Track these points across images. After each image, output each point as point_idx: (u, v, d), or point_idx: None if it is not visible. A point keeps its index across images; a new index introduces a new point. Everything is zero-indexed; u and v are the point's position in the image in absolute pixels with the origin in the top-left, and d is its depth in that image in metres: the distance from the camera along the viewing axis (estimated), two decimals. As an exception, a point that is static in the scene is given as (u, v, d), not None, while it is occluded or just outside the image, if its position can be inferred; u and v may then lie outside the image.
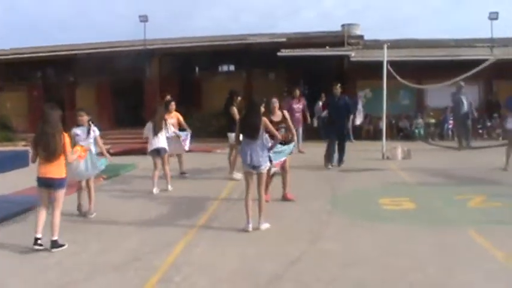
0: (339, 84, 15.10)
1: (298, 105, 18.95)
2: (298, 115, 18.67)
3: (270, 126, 8.55)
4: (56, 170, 7.40)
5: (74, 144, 9.03)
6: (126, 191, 12.05)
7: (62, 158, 7.48)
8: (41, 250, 7.17)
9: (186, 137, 13.36)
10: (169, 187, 11.90)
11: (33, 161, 7.67)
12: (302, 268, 6.35)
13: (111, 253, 7.18)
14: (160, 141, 11.81)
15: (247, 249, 7.18)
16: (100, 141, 9.64)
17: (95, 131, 9.51)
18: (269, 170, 8.95)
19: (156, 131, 11.75)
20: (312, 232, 7.96)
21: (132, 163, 15.03)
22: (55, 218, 7.37)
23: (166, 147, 11.97)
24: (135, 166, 14.68)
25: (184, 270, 6.33)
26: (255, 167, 8.21)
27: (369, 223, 8.52)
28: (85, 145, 9.27)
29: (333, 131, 15.09)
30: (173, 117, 13.41)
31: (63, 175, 7.51)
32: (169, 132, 12.21)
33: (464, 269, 6.18)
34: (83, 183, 9.57)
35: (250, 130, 8.30)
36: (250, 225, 8.11)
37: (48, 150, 7.32)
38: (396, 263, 6.41)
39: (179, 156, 13.58)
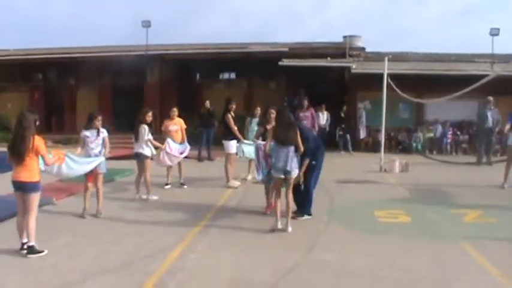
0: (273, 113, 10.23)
1: (305, 114, 19.15)
2: (306, 122, 18.78)
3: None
4: (28, 173, 7.31)
5: (83, 145, 9.71)
6: (123, 196, 12.10)
7: (34, 161, 7.40)
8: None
9: (184, 149, 13.05)
10: (150, 197, 11.61)
11: (9, 163, 7.63)
12: (297, 277, 6.36)
13: (106, 257, 7.19)
14: (139, 146, 11.60)
15: (243, 257, 7.21)
16: (107, 142, 9.94)
17: (104, 133, 9.85)
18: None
19: (135, 136, 11.67)
20: (308, 242, 7.98)
21: (130, 168, 15.02)
22: (30, 223, 7.28)
23: (145, 153, 11.61)
24: (133, 171, 14.67)
25: (179, 276, 6.35)
26: (287, 172, 8.56)
27: (365, 235, 8.54)
28: (94, 146, 9.68)
29: None
30: (176, 124, 13.25)
31: (36, 179, 7.42)
32: (144, 138, 11.51)
33: (459, 284, 6.21)
34: (89, 185, 9.80)
35: (286, 136, 8.65)
36: (280, 222, 8.60)
37: (16, 152, 7.27)
38: (390, 276, 6.43)
39: (179, 164, 13.28)
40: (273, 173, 8.92)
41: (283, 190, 8.91)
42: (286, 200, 8.79)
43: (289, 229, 8.53)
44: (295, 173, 8.70)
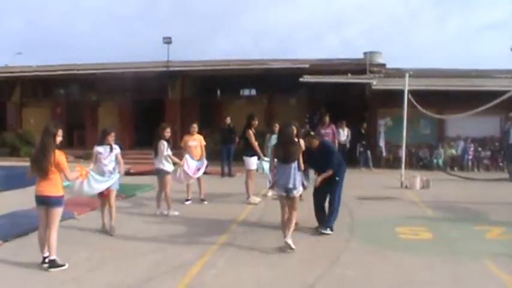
0: (311, 136, 9.99)
1: (326, 130, 19.18)
2: (327, 139, 18.78)
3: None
4: (52, 187, 7.38)
5: (95, 161, 9.65)
6: (144, 211, 12.15)
7: (58, 176, 7.46)
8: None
9: (201, 165, 13.00)
10: (171, 212, 11.59)
11: (29, 177, 7.69)
12: (317, 294, 6.34)
13: (127, 272, 7.22)
14: (159, 161, 11.61)
15: (263, 273, 7.20)
16: (120, 159, 9.90)
17: (117, 149, 9.80)
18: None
19: (154, 152, 11.73)
20: (329, 258, 7.94)
21: (151, 183, 15.08)
22: (51, 237, 7.33)
23: (166, 169, 11.65)
24: (153, 186, 14.73)
25: (199, 292, 6.36)
26: (289, 190, 8.39)
27: (386, 251, 8.48)
28: (107, 163, 9.60)
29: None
30: (195, 140, 13.29)
31: (60, 193, 7.49)
32: (163, 154, 11.53)
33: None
34: (104, 201, 9.76)
35: (285, 154, 8.51)
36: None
37: (38, 166, 7.35)
38: (412, 293, 6.39)
39: (199, 180, 13.30)
40: (276, 191, 8.96)
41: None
42: (288, 218, 8.57)
43: (289, 240, 8.27)
44: (297, 190, 8.52)
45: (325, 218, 9.84)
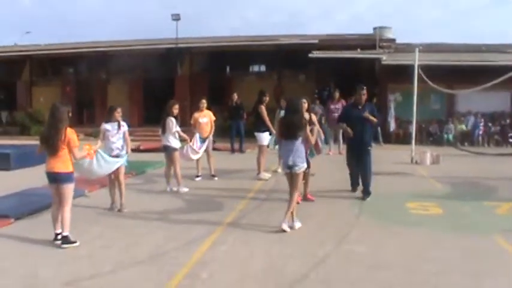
0: (364, 89, 11.17)
1: (336, 106, 19.06)
2: (336, 115, 18.68)
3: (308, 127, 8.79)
4: (61, 164, 7.37)
5: (102, 138, 9.62)
6: (154, 188, 12.23)
7: (66, 152, 7.45)
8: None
9: (202, 144, 12.80)
10: (181, 189, 11.64)
11: (38, 152, 7.73)
12: (328, 269, 6.36)
13: (138, 248, 7.27)
14: (166, 139, 11.60)
15: (273, 248, 7.22)
16: (127, 137, 9.85)
17: (124, 126, 9.76)
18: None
19: (162, 129, 11.71)
20: (339, 234, 7.97)
21: (161, 160, 15.11)
22: (64, 214, 7.37)
23: (173, 145, 11.64)
24: (163, 163, 14.77)
25: (211, 267, 6.38)
26: (290, 167, 8.25)
27: (396, 227, 8.50)
28: (116, 140, 9.57)
29: (351, 149, 11.35)
30: (205, 116, 13.24)
31: (69, 169, 7.48)
32: (171, 131, 11.50)
33: (491, 276, 6.15)
34: (113, 178, 9.73)
35: (289, 130, 8.38)
36: (296, 224, 8.33)
37: (49, 144, 7.36)
38: (422, 268, 6.39)
39: (209, 156, 13.32)
40: (282, 168, 9.11)
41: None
42: (289, 196, 8.36)
43: (284, 226, 7.99)
44: (299, 167, 8.27)
45: (360, 184, 11.14)
